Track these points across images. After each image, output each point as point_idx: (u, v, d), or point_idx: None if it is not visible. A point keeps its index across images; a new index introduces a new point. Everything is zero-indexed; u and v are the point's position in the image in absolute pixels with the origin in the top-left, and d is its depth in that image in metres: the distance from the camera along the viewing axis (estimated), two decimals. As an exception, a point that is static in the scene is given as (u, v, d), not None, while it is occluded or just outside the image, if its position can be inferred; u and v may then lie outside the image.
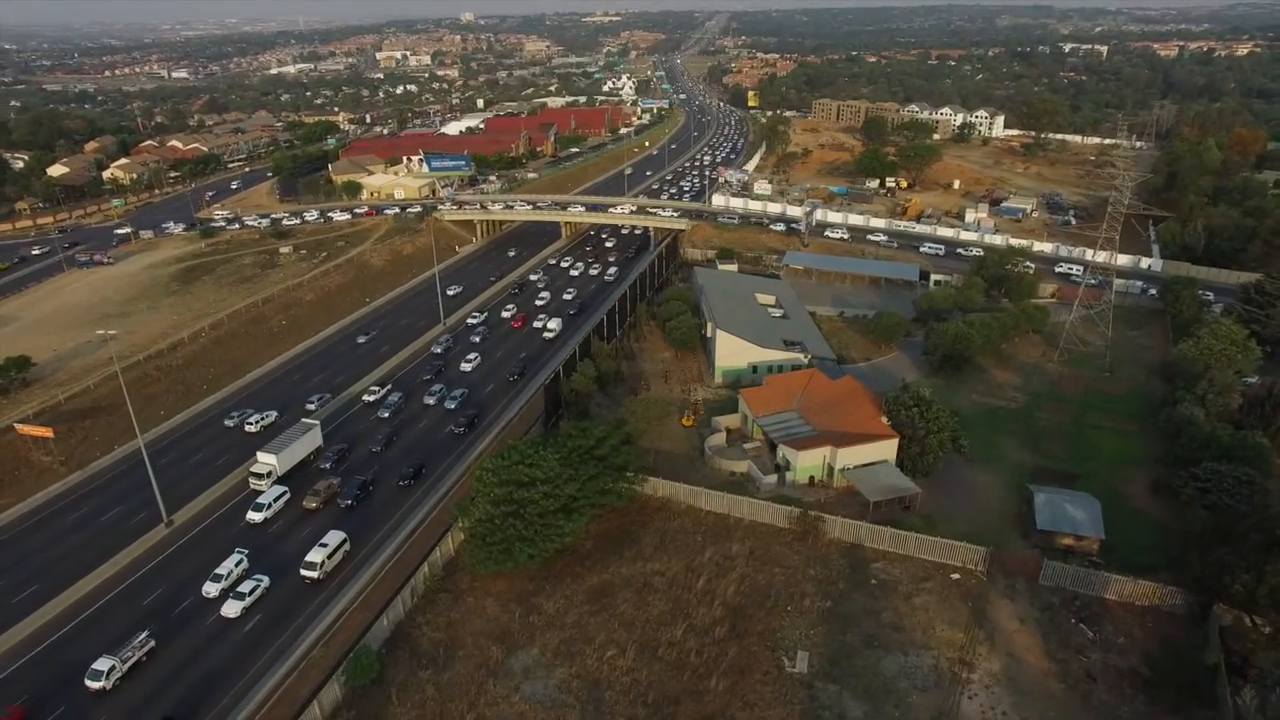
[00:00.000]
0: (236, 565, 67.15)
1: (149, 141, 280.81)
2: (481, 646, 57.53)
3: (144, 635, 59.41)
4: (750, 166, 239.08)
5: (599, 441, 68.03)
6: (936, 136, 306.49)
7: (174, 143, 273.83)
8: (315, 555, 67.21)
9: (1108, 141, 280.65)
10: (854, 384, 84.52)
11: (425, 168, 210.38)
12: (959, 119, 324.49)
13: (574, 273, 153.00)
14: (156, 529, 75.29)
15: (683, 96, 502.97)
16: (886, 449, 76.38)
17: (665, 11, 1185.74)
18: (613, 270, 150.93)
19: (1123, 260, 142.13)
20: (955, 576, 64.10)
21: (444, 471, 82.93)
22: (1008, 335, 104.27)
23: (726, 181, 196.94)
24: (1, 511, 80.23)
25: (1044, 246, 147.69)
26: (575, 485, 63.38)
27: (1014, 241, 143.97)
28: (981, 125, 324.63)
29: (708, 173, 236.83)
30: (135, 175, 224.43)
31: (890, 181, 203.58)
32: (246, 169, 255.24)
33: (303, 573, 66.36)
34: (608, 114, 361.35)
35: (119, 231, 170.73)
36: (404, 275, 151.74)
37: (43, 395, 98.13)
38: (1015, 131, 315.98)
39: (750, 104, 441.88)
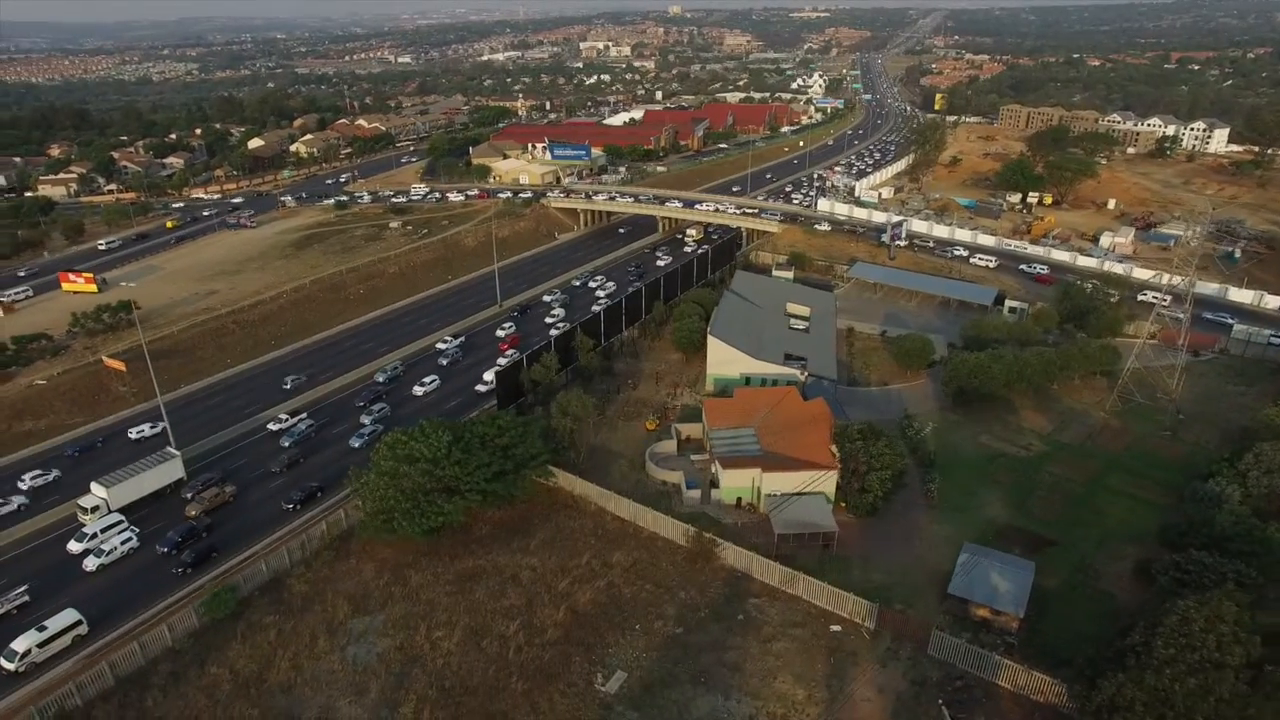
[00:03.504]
0: (123, 544, 67.65)
1: (342, 120, 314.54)
2: (336, 605, 60.76)
3: (22, 589, 62.00)
4: (889, 173, 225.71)
5: (502, 431, 68.93)
6: (1131, 150, 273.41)
7: (360, 121, 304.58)
8: (21, 642, 54.95)
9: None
10: (822, 408, 78.71)
11: (549, 155, 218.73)
12: (1170, 130, 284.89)
13: (600, 293, 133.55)
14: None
15: (868, 97, 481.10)
16: (824, 481, 70.65)
17: (877, 9, 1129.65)
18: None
19: (1274, 301, 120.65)
20: (836, 628, 58.41)
21: (232, 555, 68.22)
22: (1052, 375, 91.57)
23: (834, 186, 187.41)
24: (76, 428, 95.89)
25: (1174, 279, 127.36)
26: (459, 469, 64.78)
27: (1131, 270, 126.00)
28: (1196, 138, 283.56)
29: (816, 176, 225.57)
30: (314, 150, 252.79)
31: (1033, 197, 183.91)
32: (411, 149, 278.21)
33: (1, 662, 54.92)
34: (770, 111, 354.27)
35: (284, 200, 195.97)
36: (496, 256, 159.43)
37: (138, 335, 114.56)
38: (1238, 147, 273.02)
39: (937, 107, 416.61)
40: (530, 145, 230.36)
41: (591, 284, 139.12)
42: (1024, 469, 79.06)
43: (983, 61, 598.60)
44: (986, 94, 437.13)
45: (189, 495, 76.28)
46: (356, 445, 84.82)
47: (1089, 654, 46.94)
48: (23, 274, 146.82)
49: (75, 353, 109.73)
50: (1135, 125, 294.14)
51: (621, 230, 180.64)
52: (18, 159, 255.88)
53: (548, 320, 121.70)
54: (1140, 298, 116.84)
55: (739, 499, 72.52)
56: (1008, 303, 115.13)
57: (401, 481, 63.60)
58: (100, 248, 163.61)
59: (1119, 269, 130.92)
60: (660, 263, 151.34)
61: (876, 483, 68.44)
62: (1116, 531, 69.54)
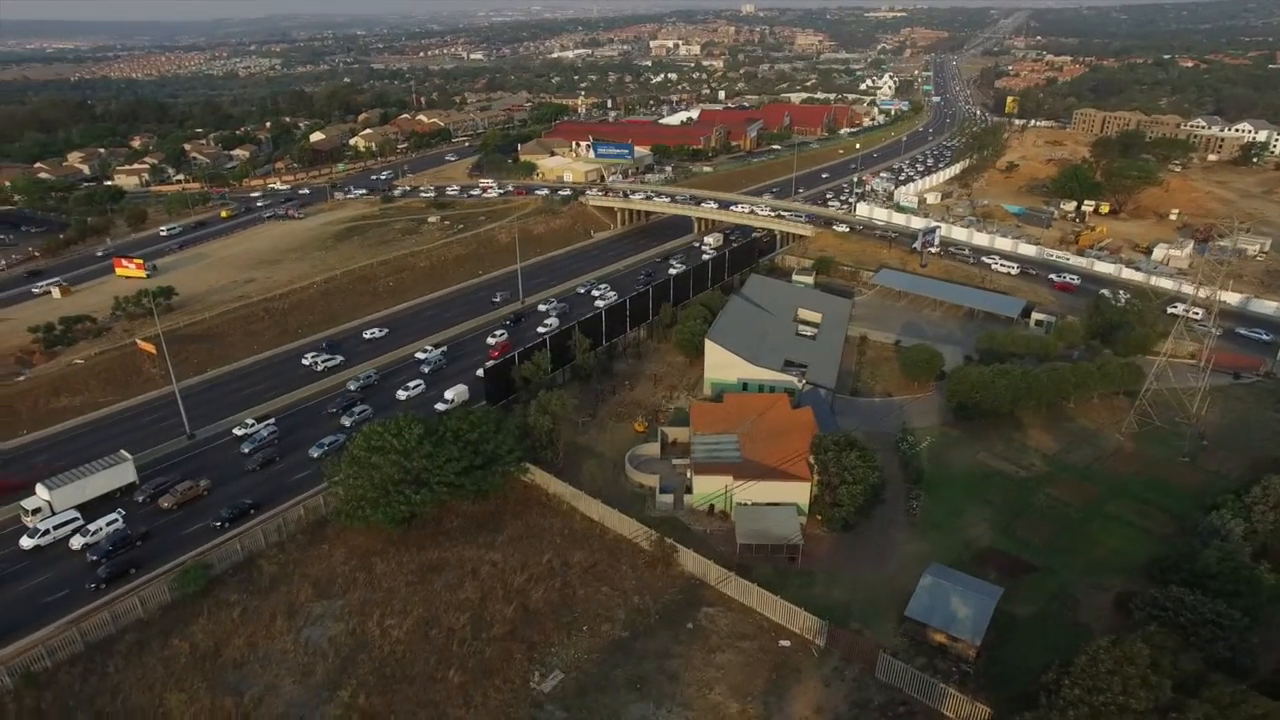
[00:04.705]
0: (108, 525, 70.37)
1: (404, 115, 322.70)
2: (301, 588, 62.72)
3: None
4: (939, 178, 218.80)
5: (473, 426, 69.81)
6: (1213, 157, 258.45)
7: (420, 117, 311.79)
8: None
9: None
10: (807, 417, 77.15)
11: (593, 154, 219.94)
12: (1260, 136, 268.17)
13: (600, 303, 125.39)
14: (178, 438, 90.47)
15: (937, 99, 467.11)
16: (797, 491, 69.33)
17: (956, 8, 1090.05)
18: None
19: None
20: (785, 643, 57.24)
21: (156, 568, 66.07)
22: (1066, 393, 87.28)
23: (873, 191, 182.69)
24: (107, 406, 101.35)
25: (1231, 298, 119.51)
26: (427, 461, 65.98)
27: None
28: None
29: (856, 180, 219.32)
30: (372, 144, 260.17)
31: (1088, 205, 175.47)
32: (466, 143, 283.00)
33: None
34: (829, 112, 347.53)
35: (302, 192, 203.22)
36: (528, 253, 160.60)
37: (174, 320, 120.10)
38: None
39: (1007, 110, 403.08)
40: (575, 143, 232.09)
41: (594, 292, 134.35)
42: (1019, 490, 75.82)
43: (1063, 63, 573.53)
44: (1064, 97, 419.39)
45: (141, 499, 75.74)
46: (315, 455, 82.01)
47: (1009, 691, 44.69)
48: (100, 254, 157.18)
49: (115, 334, 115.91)
50: (1221, 130, 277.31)
51: (657, 230, 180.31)
52: (102, 150, 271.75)
53: (540, 330, 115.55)
54: (1170, 310, 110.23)
55: (711, 506, 71.75)
56: (1034, 315, 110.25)
57: (372, 472, 65.18)
58: (162, 234, 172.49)
59: (1168, 284, 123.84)
60: (673, 271, 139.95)
61: (847, 496, 66.58)
62: (1106, 561, 66.09)
